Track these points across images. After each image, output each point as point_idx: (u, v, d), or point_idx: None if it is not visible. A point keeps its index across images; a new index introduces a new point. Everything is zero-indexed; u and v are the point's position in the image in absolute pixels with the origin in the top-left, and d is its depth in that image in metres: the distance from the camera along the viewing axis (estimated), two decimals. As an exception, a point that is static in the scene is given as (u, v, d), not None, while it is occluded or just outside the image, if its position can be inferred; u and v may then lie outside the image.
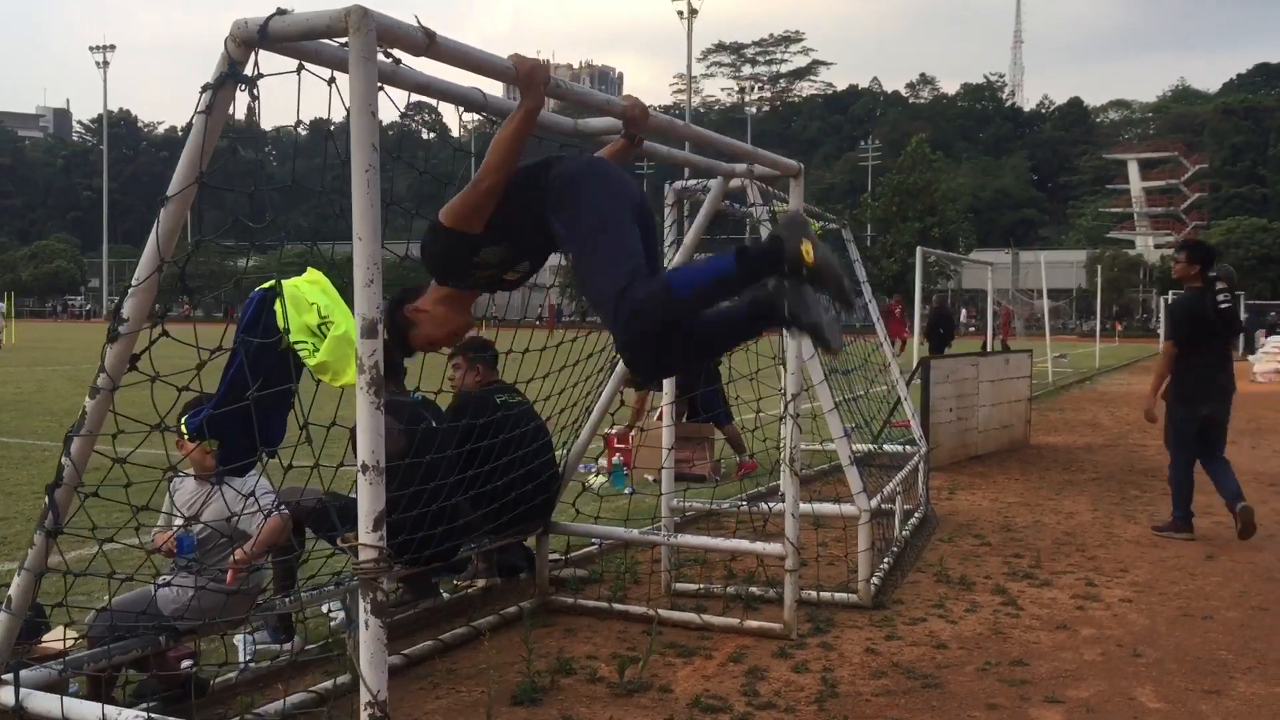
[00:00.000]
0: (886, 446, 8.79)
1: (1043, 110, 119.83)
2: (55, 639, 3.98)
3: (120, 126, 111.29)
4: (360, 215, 2.64)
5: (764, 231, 5.51)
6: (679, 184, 5.84)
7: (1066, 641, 5.09)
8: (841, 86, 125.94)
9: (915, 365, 11.19)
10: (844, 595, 5.67)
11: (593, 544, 6.59)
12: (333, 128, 3.46)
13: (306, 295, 3.81)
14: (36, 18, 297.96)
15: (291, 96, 3.07)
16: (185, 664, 4.25)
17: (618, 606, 5.45)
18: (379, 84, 2.77)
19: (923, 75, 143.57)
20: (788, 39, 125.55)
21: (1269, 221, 66.04)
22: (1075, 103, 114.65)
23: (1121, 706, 4.27)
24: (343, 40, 2.67)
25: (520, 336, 4.86)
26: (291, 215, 62.33)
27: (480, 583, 5.72)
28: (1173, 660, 4.84)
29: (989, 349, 17.02)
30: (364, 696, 2.69)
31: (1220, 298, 7.56)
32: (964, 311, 60.65)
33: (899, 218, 63.71)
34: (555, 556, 6.08)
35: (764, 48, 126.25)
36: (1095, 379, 24.78)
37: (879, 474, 7.39)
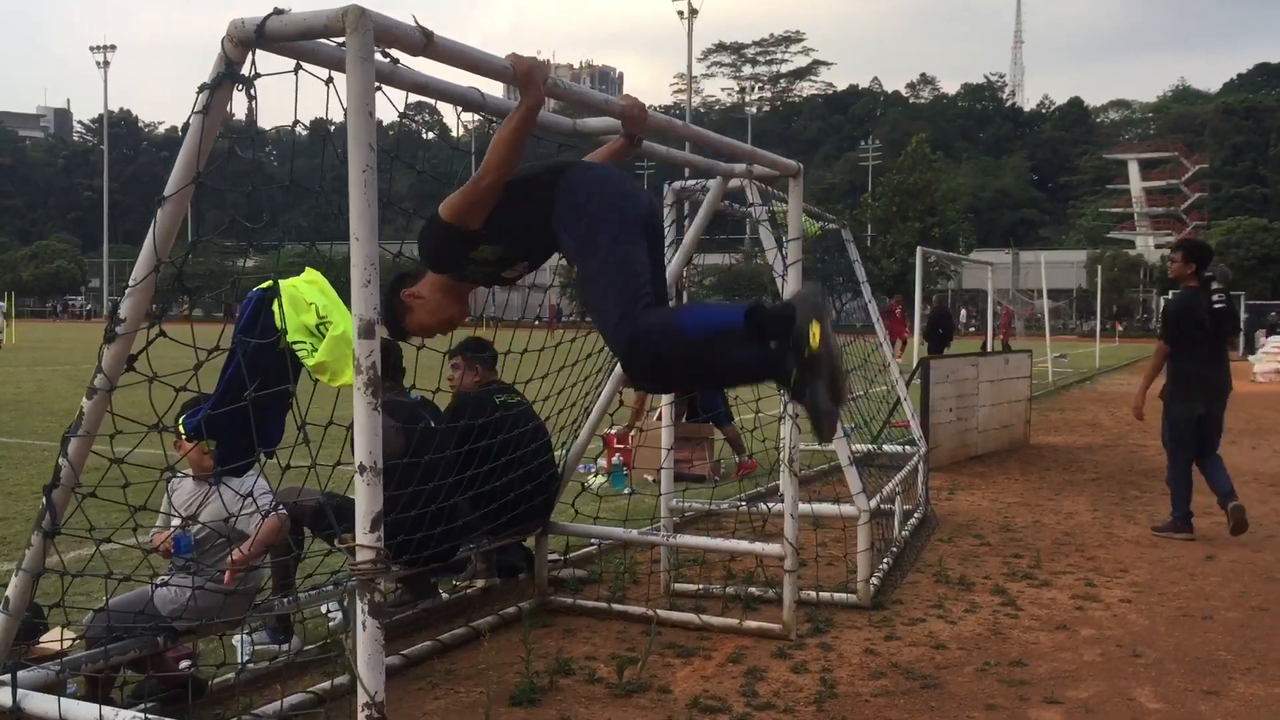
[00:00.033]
0: (886, 447, 8.79)
1: (1043, 110, 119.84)
2: (53, 639, 3.99)
3: (121, 126, 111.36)
4: (357, 215, 2.63)
5: (764, 235, 5.51)
6: (678, 184, 5.84)
7: (1066, 642, 5.08)
8: (842, 86, 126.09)
9: (915, 365, 11.18)
10: (843, 596, 5.67)
11: (592, 544, 6.58)
12: (333, 128, 3.46)
13: (305, 295, 3.81)
14: (36, 18, 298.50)
15: (290, 97, 3.07)
16: (183, 664, 4.25)
17: (617, 607, 5.44)
18: (377, 84, 2.77)
19: (923, 75, 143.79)
20: (788, 39, 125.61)
21: (1269, 221, 66.01)
22: (1075, 103, 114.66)
23: (1121, 707, 4.26)
24: (340, 40, 2.67)
25: (519, 336, 4.86)
26: (292, 215, 62.39)
27: (479, 583, 5.71)
28: (1172, 661, 4.83)
29: (989, 349, 17.03)
30: (361, 697, 2.69)
31: (1215, 298, 7.57)
32: (964, 311, 60.66)
33: (899, 218, 63.69)
34: (554, 557, 6.07)
35: (764, 48, 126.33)
36: (1095, 379, 24.77)
37: (878, 474, 7.39)
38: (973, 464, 10.97)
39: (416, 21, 2.84)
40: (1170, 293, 7.45)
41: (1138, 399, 7.95)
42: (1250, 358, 28.72)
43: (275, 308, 3.73)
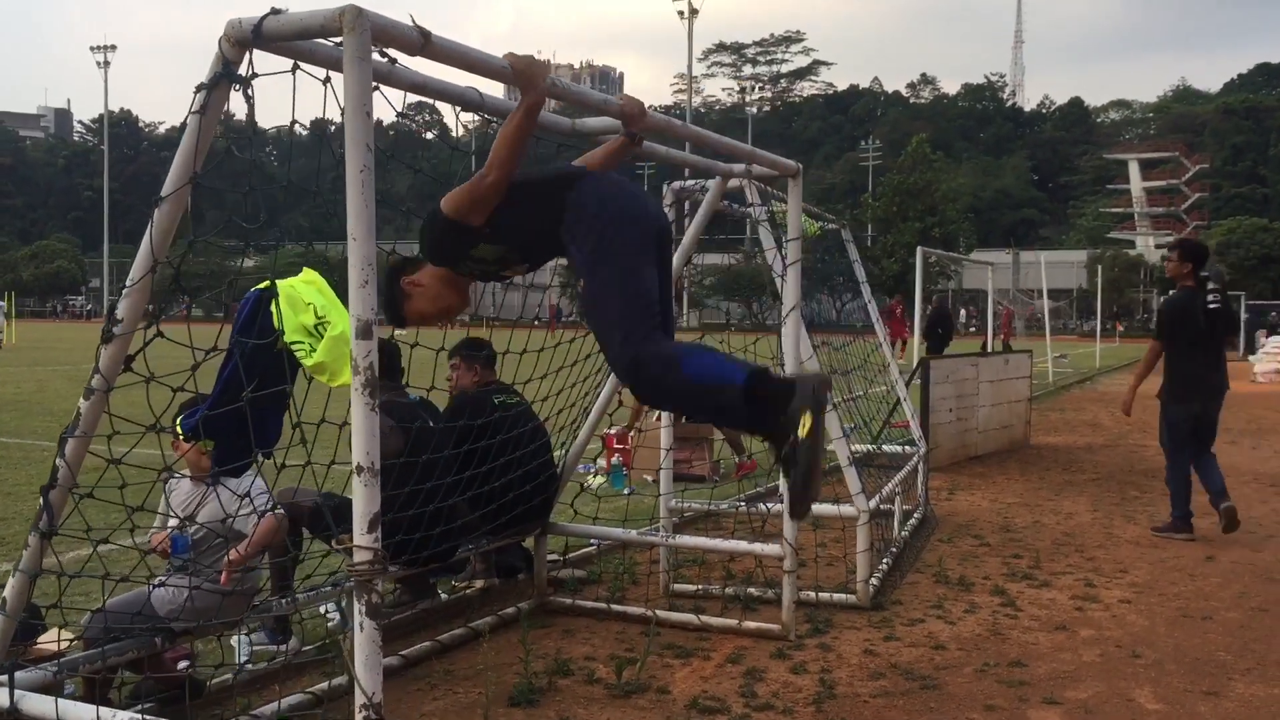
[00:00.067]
0: (886, 447, 8.79)
1: (1043, 110, 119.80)
2: (50, 640, 3.98)
3: (121, 126, 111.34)
4: (355, 215, 2.63)
5: (764, 235, 5.50)
6: (677, 184, 5.84)
7: (1065, 642, 5.08)
8: (842, 86, 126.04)
9: (915, 365, 11.18)
10: (842, 596, 5.66)
11: (591, 545, 6.58)
12: (332, 129, 3.46)
13: (303, 295, 3.80)
14: (37, 18, 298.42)
15: (290, 96, 3.07)
16: (181, 665, 4.25)
17: (616, 607, 5.44)
18: (374, 84, 2.76)
19: (923, 75, 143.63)
20: (788, 39, 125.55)
21: (1270, 221, 65.97)
22: (1076, 103, 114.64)
23: (1120, 708, 4.26)
24: (337, 40, 2.67)
25: (519, 337, 4.85)
26: (292, 215, 62.40)
27: (478, 583, 5.70)
28: (1172, 661, 4.83)
29: (989, 349, 17.02)
30: (358, 698, 2.69)
31: (1210, 298, 7.57)
32: (964, 312, 60.65)
33: (899, 218, 63.73)
34: (553, 557, 6.07)
35: (765, 48, 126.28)
36: (1095, 379, 24.77)
37: (878, 474, 7.38)
38: (972, 464, 10.97)
39: (414, 21, 2.84)
40: (1171, 293, 7.41)
41: (1127, 396, 8.01)
42: (1250, 358, 28.72)
43: (273, 308, 3.73)
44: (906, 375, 9.88)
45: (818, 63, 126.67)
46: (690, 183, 5.77)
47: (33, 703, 3.41)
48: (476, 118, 3.81)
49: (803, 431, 2.88)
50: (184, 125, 3.00)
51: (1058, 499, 9.03)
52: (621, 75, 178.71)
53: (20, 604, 3.48)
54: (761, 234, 5.53)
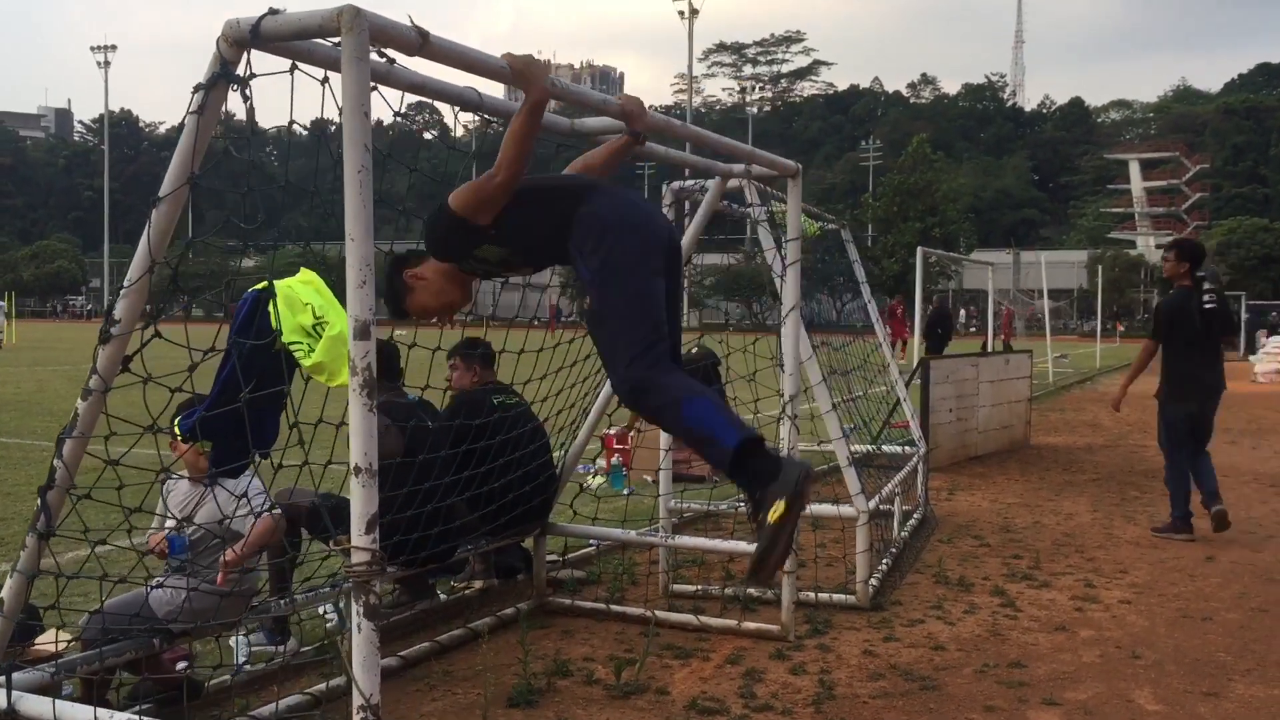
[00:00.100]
0: (885, 447, 8.78)
1: (1044, 110, 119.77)
2: (48, 641, 3.97)
3: (121, 126, 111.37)
4: (353, 215, 2.63)
5: (763, 235, 5.49)
6: (677, 184, 5.83)
7: (1065, 643, 5.07)
8: (842, 86, 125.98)
9: (915, 365, 11.17)
10: (842, 597, 5.66)
11: (590, 545, 6.57)
12: (332, 129, 3.45)
13: (300, 295, 3.80)
14: (37, 18, 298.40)
15: (288, 97, 3.07)
16: (180, 666, 4.24)
17: (615, 608, 5.43)
18: (373, 84, 2.76)
19: (924, 75, 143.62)
20: (789, 39, 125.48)
21: (1270, 221, 65.98)
22: (1076, 103, 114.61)
23: (1120, 708, 4.25)
24: (335, 40, 2.66)
25: (518, 337, 4.85)
26: (291, 216, 62.34)
27: (477, 584, 5.70)
28: (1171, 662, 4.82)
29: (990, 349, 17.01)
30: (356, 700, 2.68)
31: (1206, 298, 7.57)
32: (964, 312, 60.64)
33: (900, 218, 63.70)
34: (553, 558, 6.06)
35: (765, 48, 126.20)
36: (1096, 379, 24.76)
37: (878, 475, 7.38)
38: (972, 464, 10.96)
39: (412, 21, 2.83)
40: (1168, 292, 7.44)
41: (1118, 393, 8.04)
42: (1251, 358, 28.71)
43: (270, 308, 3.73)
44: (906, 375, 9.88)
45: (818, 63, 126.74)
46: (690, 183, 5.76)
47: (30, 704, 3.41)
48: (476, 118, 3.80)
49: (771, 517, 2.86)
50: (183, 125, 3.00)
51: (1058, 499, 9.02)
52: (621, 75, 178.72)
53: (18, 605, 3.48)
54: (761, 234, 5.52)
